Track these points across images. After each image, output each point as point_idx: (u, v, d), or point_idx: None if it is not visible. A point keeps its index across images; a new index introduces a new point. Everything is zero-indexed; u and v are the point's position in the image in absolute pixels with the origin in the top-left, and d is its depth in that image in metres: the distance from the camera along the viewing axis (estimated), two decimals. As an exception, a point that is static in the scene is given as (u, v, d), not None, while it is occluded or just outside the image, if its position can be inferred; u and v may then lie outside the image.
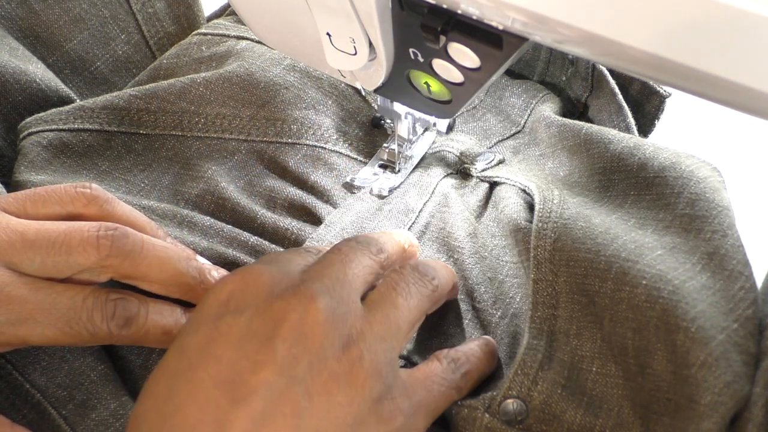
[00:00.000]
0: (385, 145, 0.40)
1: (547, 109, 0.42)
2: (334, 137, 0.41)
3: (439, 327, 0.35)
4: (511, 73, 0.46)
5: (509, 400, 0.30)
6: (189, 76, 0.42)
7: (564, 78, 0.45)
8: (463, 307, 0.35)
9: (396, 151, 0.40)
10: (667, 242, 0.31)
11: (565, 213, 0.33)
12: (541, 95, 0.44)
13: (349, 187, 0.40)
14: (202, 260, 0.34)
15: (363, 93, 0.37)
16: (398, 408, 0.26)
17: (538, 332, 0.31)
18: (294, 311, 0.25)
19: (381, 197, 0.39)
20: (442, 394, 0.29)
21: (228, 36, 0.45)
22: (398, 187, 0.40)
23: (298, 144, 0.41)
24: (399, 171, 0.41)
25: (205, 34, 0.45)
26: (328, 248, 0.30)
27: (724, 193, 0.32)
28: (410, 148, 0.41)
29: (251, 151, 0.41)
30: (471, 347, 0.31)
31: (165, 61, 0.44)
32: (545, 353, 0.30)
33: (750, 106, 0.23)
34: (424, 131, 0.42)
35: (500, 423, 0.29)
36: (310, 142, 0.41)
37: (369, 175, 0.40)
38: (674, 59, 0.22)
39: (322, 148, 0.41)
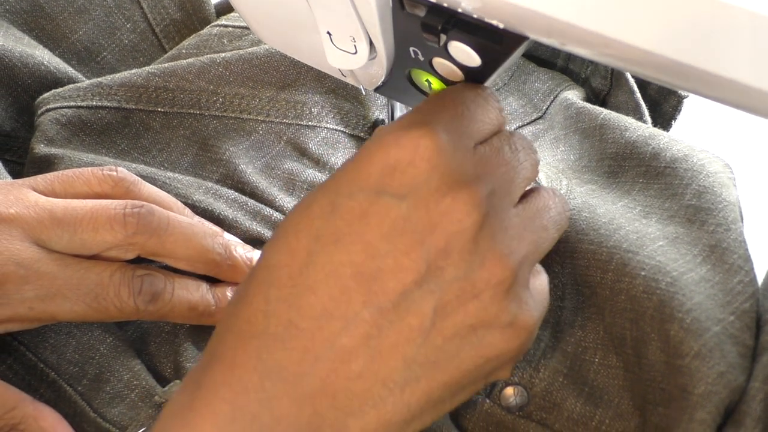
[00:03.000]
0: None
1: (571, 94, 0.42)
2: (354, 121, 0.42)
3: None
4: (537, 60, 0.46)
5: (510, 387, 0.30)
6: (209, 56, 0.43)
7: (583, 76, 0.44)
8: None
9: None
10: (670, 232, 0.31)
11: (571, 203, 0.34)
12: (566, 84, 0.44)
13: None
14: (228, 236, 0.35)
15: (364, 92, 0.38)
16: (522, 321, 0.25)
17: (543, 323, 0.31)
18: (457, 221, 0.23)
19: None
20: (551, 239, 0.27)
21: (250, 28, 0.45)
22: None
23: (319, 127, 0.42)
24: None
25: (225, 26, 0.45)
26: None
27: (732, 189, 0.32)
28: None
29: (269, 132, 0.42)
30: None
31: (185, 51, 0.44)
32: (548, 343, 0.31)
33: (750, 105, 0.23)
34: None
35: (500, 409, 0.30)
36: (331, 126, 0.42)
37: None
38: (675, 58, 0.22)
39: (342, 131, 0.42)
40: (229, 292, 0.35)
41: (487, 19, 0.24)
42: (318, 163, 0.41)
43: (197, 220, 0.35)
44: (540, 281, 0.27)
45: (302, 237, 0.24)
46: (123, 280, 0.31)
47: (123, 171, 0.34)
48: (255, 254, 0.36)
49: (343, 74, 0.31)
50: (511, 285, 0.24)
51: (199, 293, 0.33)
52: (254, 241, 0.37)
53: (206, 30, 0.46)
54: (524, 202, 0.26)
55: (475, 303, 0.24)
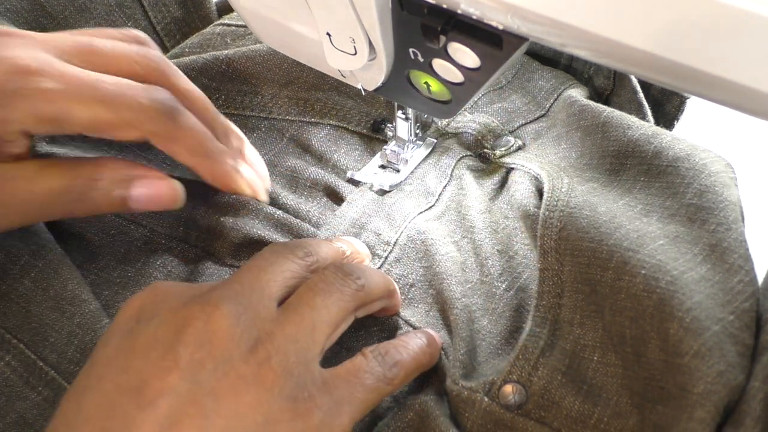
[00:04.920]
0: (385, 147, 0.40)
1: (574, 93, 0.42)
2: (357, 118, 0.42)
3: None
4: (541, 59, 0.46)
5: (509, 385, 0.31)
6: (211, 53, 0.43)
7: (586, 75, 0.45)
8: (474, 278, 0.35)
9: (397, 153, 0.41)
10: (670, 231, 0.31)
11: (572, 201, 0.34)
12: (570, 82, 0.44)
13: (353, 183, 0.40)
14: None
15: (364, 93, 0.38)
16: (315, 404, 0.27)
17: (541, 320, 0.32)
18: (198, 318, 0.27)
19: (382, 192, 0.39)
20: (367, 388, 0.29)
21: None
22: (398, 185, 0.40)
23: (321, 123, 0.42)
24: (399, 171, 0.41)
25: (228, 25, 0.45)
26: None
27: (734, 189, 0.32)
28: (410, 149, 0.41)
29: (272, 128, 0.42)
30: (401, 339, 0.32)
31: (187, 50, 0.45)
32: (547, 341, 0.31)
33: (750, 107, 0.23)
34: (424, 132, 0.42)
35: (499, 407, 0.30)
36: (334, 122, 0.42)
37: (370, 173, 0.40)
38: (674, 59, 0.22)
39: (345, 128, 0.41)
40: (235, 156, 0.35)
41: (486, 21, 0.24)
42: (321, 159, 0.41)
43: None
44: (341, 368, 0.29)
45: (71, 396, 0.26)
46: (143, 89, 0.31)
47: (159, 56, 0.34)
48: (247, 144, 0.36)
49: (342, 75, 0.31)
50: (280, 363, 0.27)
51: (209, 132, 0.33)
52: (257, 242, 0.37)
53: (209, 29, 0.46)
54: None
55: (245, 383, 0.26)
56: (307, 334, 0.28)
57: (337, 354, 0.34)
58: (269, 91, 0.42)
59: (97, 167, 0.33)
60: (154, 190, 0.33)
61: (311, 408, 0.27)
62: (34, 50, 0.31)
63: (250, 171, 0.36)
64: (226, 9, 0.49)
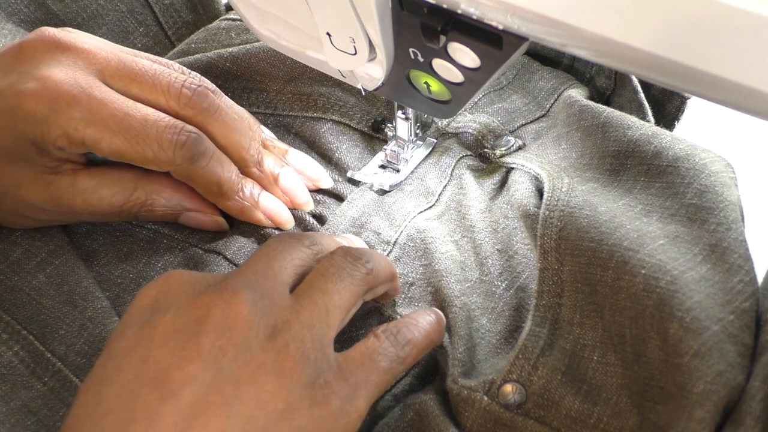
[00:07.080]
0: (385, 147, 0.40)
1: (575, 93, 0.41)
2: (359, 116, 0.42)
3: None
4: (542, 59, 0.46)
5: (508, 385, 0.31)
6: (216, 51, 0.43)
7: (588, 75, 0.44)
8: (474, 276, 0.35)
9: (397, 153, 0.40)
10: (670, 231, 0.31)
11: (572, 201, 0.33)
12: (570, 83, 0.44)
13: (353, 183, 0.40)
14: (267, 134, 0.37)
15: (364, 93, 0.37)
16: (332, 391, 0.27)
17: (541, 320, 0.32)
18: (216, 306, 0.26)
19: (382, 192, 0.39)
20: (381, 369, 0.29)
21: None
22: (398, 184, 0.40)
23: (324, 118, 0.42)
24: (399, 171, 0.41)
25: (233, 20, 0.45)
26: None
27: (734, 189, 0.32)
28: (410, 149, 0.41)
29: (278, 125, 0.42)
30: (411, 316, 0.32)
31: (193, 46, 0.45)
32: (547, 340, 0.31)
33: (750, 106, 0.23)
34: (424, 132, 0.42)
35: (499, 407, 0.30)
36: (336, 118, 0.42)
37: (370, 173, 0.40)
38: (674, 59, 0.22)
39: (347, 125, 0.41)
40: (256, 189, 0.36)
41: (486, 21, 0.24)
42: (324, 156, 0.41)
43: (247, 115, 0.36)
44: (352, 353, 0.29)
45: (89, 388, 0.26)
46: (169, 127, 0.32)
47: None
48: (283, 171, 0.37)
49: (342, 75, 0.31)
50: (298, 350, 0.26)
51: (230, 174, 0.35)
52: (261, 241, 0.37)
53: (215, 24, 0.46)
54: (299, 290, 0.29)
55: (265, 371, 0.26)
56: (321, 319, 0.28)
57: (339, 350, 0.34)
58: (274, 87, 0.42)
59: (152, 193, 0.34)
60: (200, 222, 0.37)
61: (328, 395, 0.27)
62: (75, 71, 0.31)
63: (271, 200, 0.37)
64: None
